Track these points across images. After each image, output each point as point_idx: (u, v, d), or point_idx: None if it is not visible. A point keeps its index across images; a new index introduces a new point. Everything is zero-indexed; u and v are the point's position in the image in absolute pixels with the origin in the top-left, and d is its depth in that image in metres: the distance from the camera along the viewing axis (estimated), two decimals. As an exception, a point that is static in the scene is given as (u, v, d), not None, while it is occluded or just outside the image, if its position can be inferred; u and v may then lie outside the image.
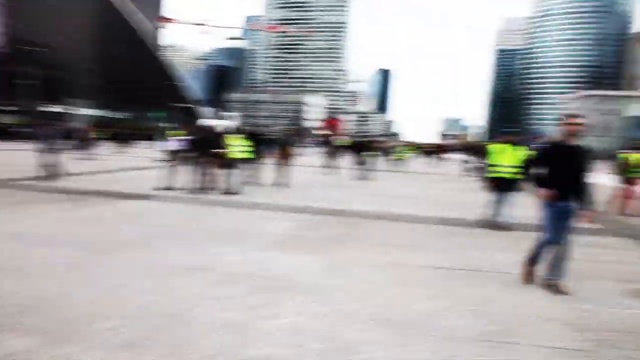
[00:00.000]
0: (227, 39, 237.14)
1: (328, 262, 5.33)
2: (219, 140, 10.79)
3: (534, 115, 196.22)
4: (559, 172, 4.53)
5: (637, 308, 4.28)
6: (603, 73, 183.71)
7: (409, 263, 5.43)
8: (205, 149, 10.49)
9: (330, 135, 30.73)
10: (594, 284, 4.88)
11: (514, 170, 7.38)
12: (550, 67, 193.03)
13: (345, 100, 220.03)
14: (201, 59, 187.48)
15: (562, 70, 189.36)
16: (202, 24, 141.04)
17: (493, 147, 7.85)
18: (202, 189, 10.47)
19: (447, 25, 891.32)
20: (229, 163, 10.78)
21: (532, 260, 4.83)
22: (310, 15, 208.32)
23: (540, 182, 4.65)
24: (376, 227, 7.60)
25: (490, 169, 7.76)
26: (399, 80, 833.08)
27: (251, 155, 11.57)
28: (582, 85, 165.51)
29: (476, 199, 11.41)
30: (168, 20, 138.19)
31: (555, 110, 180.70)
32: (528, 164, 4.88)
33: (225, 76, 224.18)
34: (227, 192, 10.59)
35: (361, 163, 16.89)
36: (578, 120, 4.56)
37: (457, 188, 15.28)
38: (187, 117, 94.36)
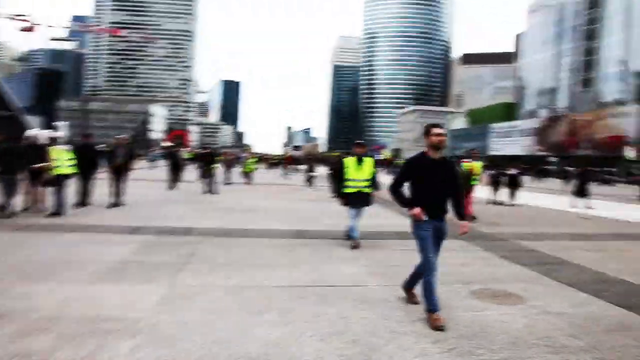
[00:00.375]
0: (51, 39, 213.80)
1: (169, 291, 4.64)
2: (39, 153, 9.22)
3: (372, 127, 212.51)
4: (425, 187, 4.13)
5: (482, 309, 4.40)
6: (432, 91, 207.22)
7: (261, 284, 5.00)
8: (13, 163, 8.80)
9: (175, 147, 28.98)
10: (444, 287, 4.97)
11: (366, 184, 7.42)
12: (384, 83, 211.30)
13: (191, 111, 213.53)
14: (21, 60, 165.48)
15: (395, 87, 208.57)
16: (23, 18, 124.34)
17: (347, 161, 7.48)
18: (12, 212, 8.80)
19: (290, 38, 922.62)
20: (52, 180, 9.27)
21: (410, 282, 4.61)
22: (152, 21, 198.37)
23: (405, 201, 4.23)
24: (224, 245, 7.03)
25: (346, 183, 7.41)
26: (249, 92, 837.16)
27: (78, 171, 10.08)
28: (413, 101, 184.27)
29: (323, 210, 11.60)
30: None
31: (390, 123, 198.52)
32: (393, 182, 4.32)
33: (53, 81, 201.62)
34: (51, 213, 9.07)
35: (207, 176, 15.96)
36: (441, 131, 4.16)
37: (305, 199, 15.38)
38: (8, 127, 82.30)
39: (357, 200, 7.43)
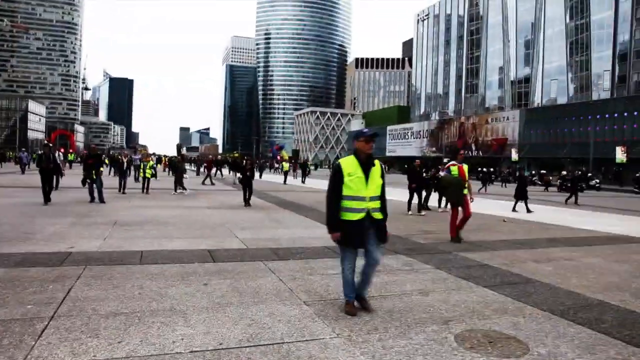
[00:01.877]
0: None
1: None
2: None
3: (270, 128, 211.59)
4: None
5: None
6: (328, 93, 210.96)
7: (171, 351, 3.34)
8: None
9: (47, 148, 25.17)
10: (420, 336, 3.72)
11: (376, 204, 4.39)
12: (280, 85, 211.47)
13: (75, 110, 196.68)
14: None
15: (291, 89, 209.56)
16: None
17: (347, 165, 4.33)
18: None
19: (184, 37, 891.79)
20: None
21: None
22: (26, 9, 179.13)
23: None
24: (113, 279, 5.16)
25: (344, 204, 4.26)
26: (142, 91, 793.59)
27: None
28: (310, 103, 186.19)
29: (232, 219, 10.00)
30: None
31: (288, 124, 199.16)
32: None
33: None
34: None
35: (92, 181, 13.39)
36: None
37: (204, 205, 13.59)
38: None
39: (361, 233, 4.21)
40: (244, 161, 15.07)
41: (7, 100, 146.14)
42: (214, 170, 29.76)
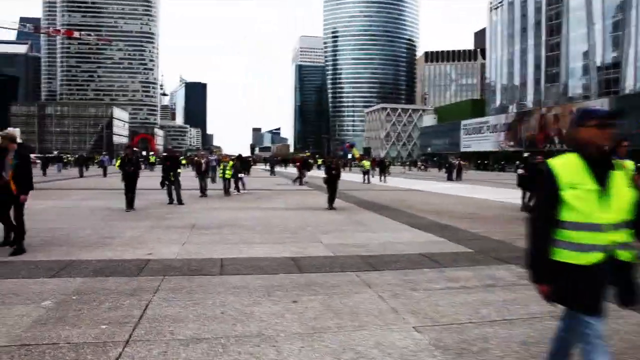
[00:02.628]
0: None
1: None
2: None
3: (341, 126, 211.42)
4: None
5: None
6: (398, 89, 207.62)
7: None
8: None
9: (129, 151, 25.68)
10: None
11: (624, 237, 2.43)
12: (349, 82, 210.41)
13: (156, 114, 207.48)
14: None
15: (360, 86, 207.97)
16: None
17: (562, 170, 2.10)
18: None
19: (253, 38, 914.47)
20: None
21: None
22: (109, 23, 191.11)
23: None
24: (192, 294, 4.64)
25: (563, 236, 2.04)
26: (215, 94, 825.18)
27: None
28: (380, 99, 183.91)
29: (314, 221, 9.28)
30: None
31: (357, 122, 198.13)
32: None
33: (3, 86, 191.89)
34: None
35: (172, 182, 13.35)
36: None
37: (281, 206, 13.08)
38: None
39: (597, 288, 2.34)
40: (332, 160, 13.86)
41: (95, 108, 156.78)
42: (284, 168, 29.50)
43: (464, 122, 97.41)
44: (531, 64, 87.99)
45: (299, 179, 24.27)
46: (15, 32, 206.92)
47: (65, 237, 7.72)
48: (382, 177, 28.71)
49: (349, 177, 32.21)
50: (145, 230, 8.54)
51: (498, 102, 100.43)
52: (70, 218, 10.10)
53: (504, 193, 20.73)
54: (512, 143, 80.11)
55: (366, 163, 28.71)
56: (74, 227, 8.74)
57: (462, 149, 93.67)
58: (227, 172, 16.77)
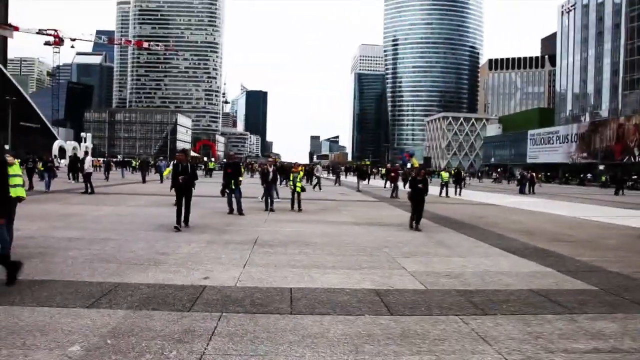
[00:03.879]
0: (78, 54, 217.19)
1: None
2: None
3: (400, 135, 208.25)
4: None
5: None
6: (459, 98, 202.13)
7: None
8: None
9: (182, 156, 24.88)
10: None
11: None
12: (409, 91, 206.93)
13: (217, 122, 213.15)
14: (52, 75, 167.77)
15: (421, 95, 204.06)
16: (54, 34, 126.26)
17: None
18: None
19: (312, 47, 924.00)
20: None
21: None
22: (177, 34, 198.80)
23: None
24: (257, 343, 3.59)
25: None
26: (274, 102, 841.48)
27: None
28: (441, 108, 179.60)
29: (393, 240, 8.05)
30: (11, 27, 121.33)
31: (417, 131, 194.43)
32: None
33: (81, 94, 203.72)
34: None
35: (231, 191, 12.49)
36: None
37: (349, 220, 11.90)
38: (38, 139, 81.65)
39: None
40: (419, 172, 11.49)
41: (161, 115, 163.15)
42: (344, 177, 28.19)
43: (531, 131, 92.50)
44: (607, 69, 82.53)
45: (394, 191, 21.90)
46: (92, 43, 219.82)
47: (115, 251, 6.95)
48: (458, 190, 25.96)
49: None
50: (202, 245, 7.65)
51: (569, 111, 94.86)
52: (125, 227, 9.44)
53: (592, 210, 18.61)
54: (584, 154, 74.99)
55: (445, 174, 25.11)
56: (127, 239, 8.00)
57: (529, 160, 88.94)
58: (298, 184, 13.91)
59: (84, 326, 3.74)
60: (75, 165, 23.06)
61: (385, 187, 29.21)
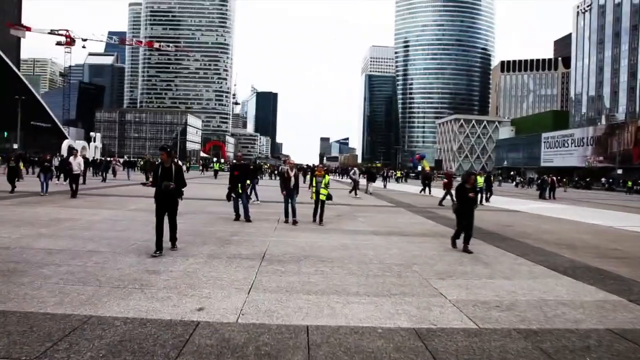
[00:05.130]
0: (90, 54, 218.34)
1: None
2: None
3: (410, 137, 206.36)
4: None
5: None
6: (470, 100, 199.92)
7: None
8: None
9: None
10: None
11: None
12: (420, 93, 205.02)
13: (227, 123, 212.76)
14: (64, 75, 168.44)
15: (431, 97, 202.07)
16: (66, 34, 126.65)
17: None
18: None
19: (322, 49, 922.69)
20: None
21: None
22: (188, 35, 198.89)
23: None
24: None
25: None
26: (284, 103, 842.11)
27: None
28: (452, 110, 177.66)
29: (425, 257, 6.63)
30: (24, 27, 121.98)
31: (428, 133, 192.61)
32: None
33: (93, 95, 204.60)
34: None
35: (238, 195, 11.38)
36: None
37: (367, 229, 10.77)
38: (49, 138, 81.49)
39: None
40: (470, 176, 8.68)
41: (171, 115, 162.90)
42: (365, 182, 26.60)
43: (545, 134, 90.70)
44: (624, 71, 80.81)
45: (451, 199, 18.47)
46: (104, 44, 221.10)
47: (98, 268, 5.90)
48: (488, 195, 22.91)
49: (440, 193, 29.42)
50: (201, 261, 6.57)
51: (584, 114, 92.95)
52: (117, 236, 8.39)
53: (626, 218, 17.31)
54: (601, 158, 73.17)
55: (480, 179, 20.72)
56: (116, 252, 6.95)
57: (543, 164, 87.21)
58: (323, 191, 11.51)
59: None
60: (64, 166, 21.64)
61: (421, 192, 27.50)
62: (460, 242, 8.42)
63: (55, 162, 28.88)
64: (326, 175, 11.87)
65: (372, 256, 7.38)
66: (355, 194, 22.77)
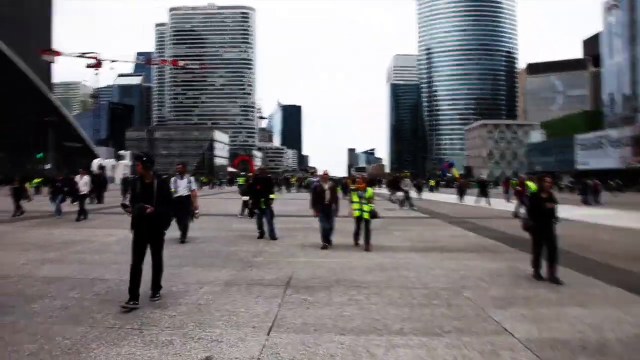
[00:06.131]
0: (119, 75, 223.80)
1: None
2: None
3: (438, 145, 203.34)
4: None
5: None
6: (497, 104, 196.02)
7: None
8: None
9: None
10: None
11: None
12: (446, 99, 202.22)
13: (253, 137, 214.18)
14: (94, 97, 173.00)
15: (458, 103, 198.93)
16: (94, 57, 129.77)
17: None
18: None
19: (345, 60, 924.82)
20: None
21: None
22: (211, 52, 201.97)
23: None
24: None
25: None
26: (309, 115, 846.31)
27: None
28: (479, 116, 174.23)
29: (476, 278, 5.44)
30: (54, 52, 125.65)
31: (456, 140, 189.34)
32: None
33: (123, 114, 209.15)
34: None
35: (262, 211, 10.35)
36: None
37: (404, 245, 9.74)
38: (81, 157, 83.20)
39: None
40: (545, 179, 7.05)
41: (198, 132, 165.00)
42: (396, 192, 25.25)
43: (578, 136, 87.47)
44: (661, 67, 77.40)
45: (525, 215, 16.20)
46: (133, 65, 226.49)
47: (97, 301, 5.11)
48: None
49: (470, 201, 28.04)
50: (218, 289, 5.70)
51: (619, 113, 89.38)
52: (129, 260, 7.63)
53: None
54: (642, 159, 69.91)
55: (532, 185, 16.80)
56: (123, 279, 6.09)
57: (578, 167, 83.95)
58: (365, 207, 9.15)
59: None
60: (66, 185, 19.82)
61: (460, 201, 26.84)
62: (543, 270, 6.61)
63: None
64: (368, 188, 9.38)
65: (413, 279, 6.38)
66: (411, 206, 21.39)
